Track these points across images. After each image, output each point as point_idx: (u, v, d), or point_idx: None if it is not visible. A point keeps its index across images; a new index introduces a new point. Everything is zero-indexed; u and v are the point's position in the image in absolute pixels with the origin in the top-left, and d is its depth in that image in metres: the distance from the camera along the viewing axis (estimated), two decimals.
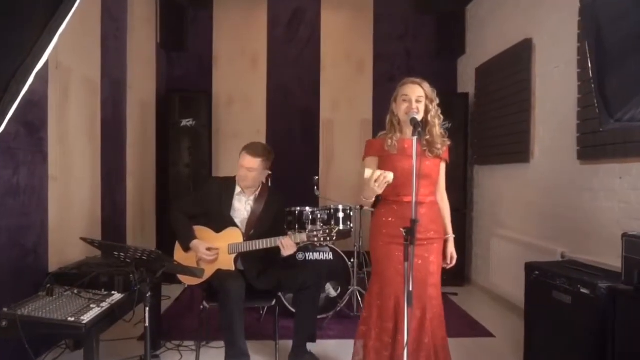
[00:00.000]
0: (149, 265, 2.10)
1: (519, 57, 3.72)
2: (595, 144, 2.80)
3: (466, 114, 4.68)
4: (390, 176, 2.03)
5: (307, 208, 3.74)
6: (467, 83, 4.96)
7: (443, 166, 2.28)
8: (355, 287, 3.54)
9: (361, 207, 3.84)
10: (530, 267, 2.66)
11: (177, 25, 4.92)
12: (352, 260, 3.60)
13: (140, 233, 4.22)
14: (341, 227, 3.72)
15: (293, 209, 3.77)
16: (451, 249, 2.28)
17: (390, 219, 2.22)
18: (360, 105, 5.23)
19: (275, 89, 5.18)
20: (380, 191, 2.05)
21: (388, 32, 5.23)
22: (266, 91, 5.17)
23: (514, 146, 3.81)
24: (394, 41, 5.25)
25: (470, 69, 4.80)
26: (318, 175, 4.55)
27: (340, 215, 3.72)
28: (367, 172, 2.07)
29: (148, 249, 1.91)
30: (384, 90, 5.23)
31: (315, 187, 3.81)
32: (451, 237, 2.28)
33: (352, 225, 3.78)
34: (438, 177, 2.25)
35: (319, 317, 3.04)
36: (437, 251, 2.22)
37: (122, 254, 2.10)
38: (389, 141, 2.18)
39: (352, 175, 5.15)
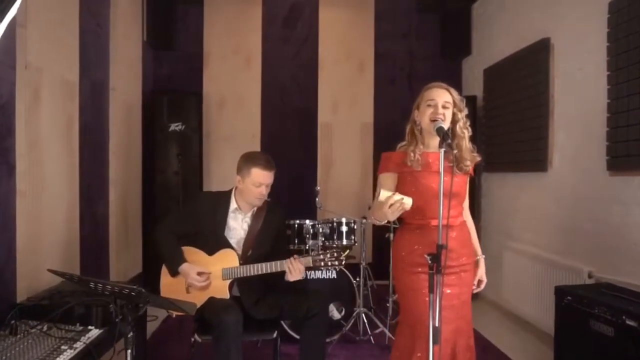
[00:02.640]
0: (129, 299, 1.78)
1: (535, 57, 3.46)
2: (629, 153, 2.54)
3: (474, 118, 4.41)
4: (408, 204, 1.73)
5: (307, 221, 3.45)
6: (473, 85, 4.70)
7: (467, 182, 2.01)
8: (362, 309, 3.24)
9: (364, 217, 3.56)
10: (561, 292, 2.40)
11: (165, 21, 4.58)
12: (357, 279, 3.30)
13: (124, 250, 3.87)
14: (344, 242, 3.44)
15: (292, 221, 3.47)
16: (481, 271, 2.00)
17: (415, 247, 1.92)
18: (360, 108, 4.95)
19: (271, 89, 4.87)
20: (392, 218, 1.77)
21: (390, 31, 4.95)
22: (261, 92, 4.86)
23: (529, 153, 3.54)
24: (396, 40, 4.97)
25: (477, 71, 4.54)
26: (317, 184, 4.26)
27: (344, 229, 3.43)
28: (383, 195, 1.74)
29: (128, 285, 1.59)
30: (385, 92, 4.97)
31: (317, 199, 3.51)
32: (482, 258, 2.01)
33: (355, 239, 3.50)
34: (465, 195, 1.97)
35: None
36: (470, 279, 1.95)
37: (99, 285, 1.78)
38: (412, 155, 1.88)
39: (353, 183, 4.87)
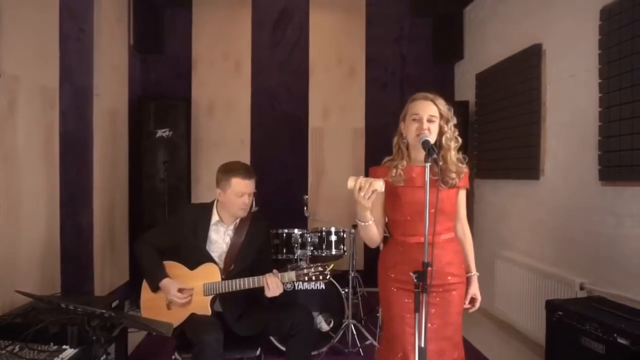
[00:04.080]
0: (103, 319, 1.71)
1: (527, 63, 3.41)
2: (621, 163, 2.49)
3: (466, 123, 4.36)
4: (378, 184, 1.67)
5: (296, 230, 3.38)
6: (465, 90, 4.65)
7: (462, 194, 1.93)
8: (351, 321, 3.18)
9: (354, 226, 3.49)
10: (552, 306, 2.34)
11: (152, 25, 4.50)
12: (346, 289, 3.23)
13: (110, 259, 3.79)
14: (333, 251, 3.38)
15: (280, 230, 3.40)
16: (474, 289, 1.93)
17: (396, 264, 1.87)
18: (351, 113, 4.89)
19: (261, 95, 4.79)
20: (369, 204, 1.69)
21: (381, 35, 4.89)
22: (250, 97, 4.79)
23: (521, 161, 3.49)
24: (388, 44, 4.91)
25: (470, 75, 4.49)
26: (307, 193, 4.19)
27: (333, 238, 3.37)
28: (350, 183, 1.70)
29: (99, 310, 1.52)
30: (376, 97, 4.91)
31: (305, 208, 3.44)
32: (475, 275, 1.94)
33: (345, 249, 3.43)
34: (454, 210, 1.90)
35: None
36: (458, 299, 1.86)
37: (70, 307, 1.71)
38: (394, 171, 1.83)
39: (344, 189, 4.75)
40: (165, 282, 2.24)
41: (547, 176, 3.25)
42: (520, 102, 3.49)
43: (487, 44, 4.21)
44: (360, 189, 1.65)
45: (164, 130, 4.19)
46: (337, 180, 4.81)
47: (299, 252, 3.32)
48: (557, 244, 3.12)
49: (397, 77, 4.92)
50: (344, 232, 3.42)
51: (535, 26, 3.38)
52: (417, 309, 1.71)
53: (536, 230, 3.39)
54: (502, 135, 3.78)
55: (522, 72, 3.47)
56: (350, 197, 5.29)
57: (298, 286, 3.12)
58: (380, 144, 5.20)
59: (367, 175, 1.99)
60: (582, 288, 2.73)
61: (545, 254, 3.22)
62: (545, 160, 3.26)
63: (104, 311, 1.52)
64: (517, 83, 3.54)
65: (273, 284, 2.15)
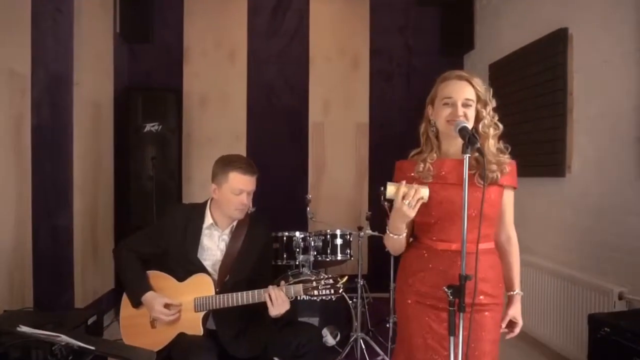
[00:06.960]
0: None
1: (550, 50, 3.11)
2: None
3: None
4: (424, 191, 1.43)
5: (297, 233, 3.07)
6: None
7: (509, 195, 1.63)
8: (359, 334, 2.86)
9: (360, 228, 3.19)
10: (595, 321, 2.04)
11: (141, 11, 4.16)
12: (354, 299, 2.92)
13: (92, 265, 3.46)
14: (339, 256, 3.07)
15: (280, 233, 3.09)
16: (514, 311, 1.61)
17: (419, 271, 1.56)
18: (354, 107, 4.58)
19: (257, 87, 4.47)
20: (413, 214, 1.42)
21: (386, 24, 4.59)
22: (246, 90, 4.46)
23: (544, 157, 3.19)
24: (393, 34, 4.61)
25: (482, 66, 4.19)
26: (308, 191, 3.89)
27: (338, 242, 3.07)
28: (390, 190, 1.44)
29: (63, 339, 1.19)
30: (381, 90, 4.61)
31: (308, 209, 3.13)
32: (518, 294, 1.62)
33: (351, 253, 3.13)
34: (495, 213, 1.59)
35: None
36: (492, 323, 1.54)
37: (26, 334, 1.38)
38: (421, 165, 1.52)
39: (347, 188, 4.50)
40: (148, 297, 1.91)
41: (575, 173, 2.96)
42: (543, 92, 3.20)
43: (502, 32, 3.91)
44: (404, 196, 1.38)
45: (152, 124, 3.86)
46: (339, 179, 4.52)
47: (301, 257, 3.01)
48: (587, 247, 2.83)
49: (403, 69, 4.63)
50: (350, 235, 3.11)
51: (560, 9, 3.09)
52: (452, 332, 1.41)
53: (561, 232, 3.09)
54: (520, 130, 3.47)
55: (545, 60, 3.17)
56: (353, 197, 4.92)
57: (300, 296, 2.80)
58: (385, 140, 4.86)
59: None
60: (621, 298, 2.44)
61: (573, 259, 2.93)
62: (573, 156, 2.97)
63: (65, 341, 1.20)
64: (538, 72, 3.25)
65: (278, 300, 1.83)
